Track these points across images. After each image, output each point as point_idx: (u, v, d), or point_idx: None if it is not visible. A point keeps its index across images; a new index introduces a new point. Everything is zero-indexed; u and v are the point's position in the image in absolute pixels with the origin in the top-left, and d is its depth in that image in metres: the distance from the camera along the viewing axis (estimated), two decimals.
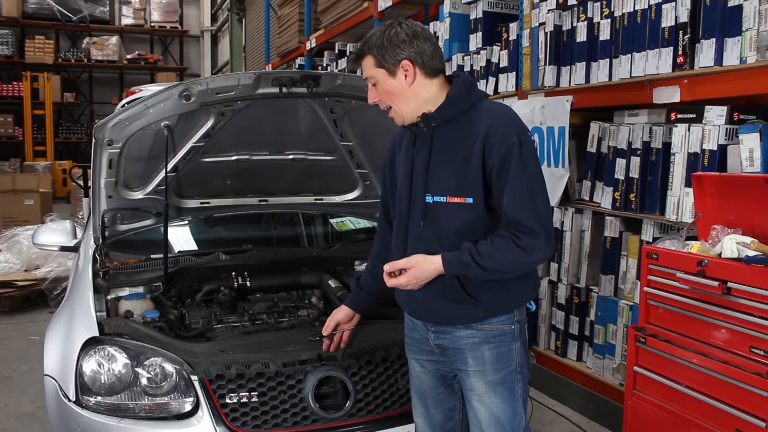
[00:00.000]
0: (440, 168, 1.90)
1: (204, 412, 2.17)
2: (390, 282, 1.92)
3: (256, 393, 2.21)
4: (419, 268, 1.87)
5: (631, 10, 3.24)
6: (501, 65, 4.31)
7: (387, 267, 1.93)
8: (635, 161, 3.32)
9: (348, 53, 6.83)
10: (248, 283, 2.96)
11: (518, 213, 1.79)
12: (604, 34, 3.43)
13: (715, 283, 2.26)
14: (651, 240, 3.20)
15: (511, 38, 4.21)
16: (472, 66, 4.58)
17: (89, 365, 2.23)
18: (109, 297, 2.74)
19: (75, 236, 3.31)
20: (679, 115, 3.11)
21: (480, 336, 1.93)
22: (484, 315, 1.92)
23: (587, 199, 3.71)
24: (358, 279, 2.33)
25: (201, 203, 3.20)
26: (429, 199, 1.90)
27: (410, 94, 1.90)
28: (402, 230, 2.01)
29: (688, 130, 3.00)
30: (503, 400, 1.94)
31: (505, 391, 1.95)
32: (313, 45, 7.65)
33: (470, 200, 1.85)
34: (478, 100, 1.91)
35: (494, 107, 1.91)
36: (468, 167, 1.84)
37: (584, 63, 3.58)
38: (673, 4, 3.02)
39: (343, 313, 2.30)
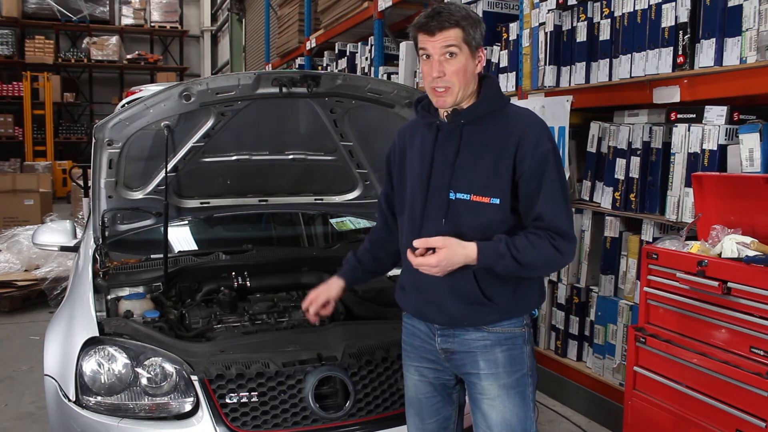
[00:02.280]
0: (468, 165, 1.85)
1: (204, 412, 2.17)
2: (416, 261, 1.79)
3: (256, 393, 2.21)
4: (452, 250, 1.77)
5: (631, 10, 3.24)
6: (501, 65, 4.31)
7: (418, 243, 1.79)
8: (635, 161, 3.32)
9: (348, 53, 6.82)
10: (248, 283, 2.96)
11: (556, 218, 1.80)
12: (604, 34, 3.43)
13: (715, 283, 2.26)
14: (651, 240, 3.20)
15: (511, 38, 4.21)
16: None
17: (89, 365, 2.23)
18: (109, 297, 2.74)
19: (75, 236, 3.32)
20: (679, 115, 3.11)
21: (492, 338, 1.89)
22: (497, 318, 1.89)
23: (587, 199, 3.71)
24: (355, 253, 2.22)
25: (201, 203, 3.20)
26: (452, 195, 1.85)
27: (471, 81, 1.86)
28: (415, 227, 1.92)
29: (688, 130, 3.00)
30: (515, 404, 1.90)
31: (517, 395, 1.91)
32: (313, 45, 7.65)
33: (496, 200, 1.82)
34: (507, 103, 1.92)
35: (523, 111, 1.91)
36: (499, 168, 1.82)
37: (584, 63, 3.58)
38: (673, 4, 3.02)
39: (337, 290, 2.18)
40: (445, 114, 1.89)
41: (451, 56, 1.81)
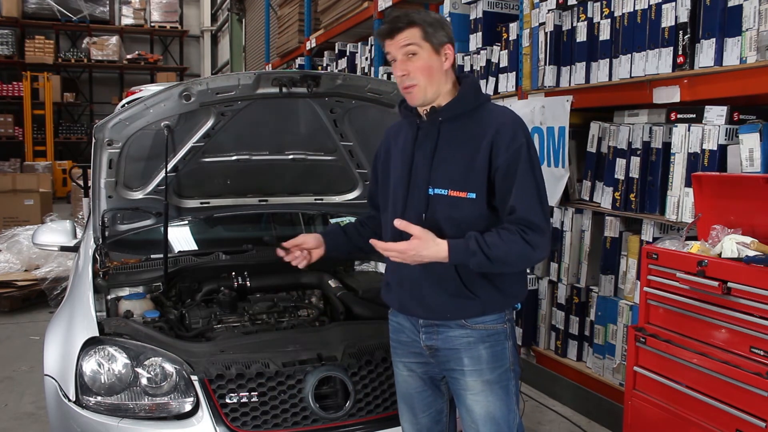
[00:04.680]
0: (445, 162, 1.91)
1: (204, 412, 2.17)
2: (384, 245, 1.85)
3: (256, 393, 2.21)
4: (424, 243, 1.81)
5: (631, 10, 3.24)
6: (501, 65, 4.31)
7: (399, 223, 1.84)
8: (635, 161, 3.32)
9: (348, 53, 6.82)
10: (248, 283, 2.96)
11: (528, 211, 1.83)
12: (604, 34, 3.43)
13: (715, 283, 2.26)
14: (651, 240, 3.20)
15: (511, 38, 4.21)
16: (472, 66, 4.58)
17: (89, 365, 2.23)
18: (109, 297, 2.75)
19: (75, 236, 3.31)
20: (679, 115, 3.11)
21: (475, 335, 1.93)
22: (480, 311, 1.93)
23: (587, 199, 3.71)
24: (340, 226, 2.26)
25: (201, 203, 3.20)
26: (430, 191, 1.91)
27: (441, 78, 1.92)
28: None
29: (688, 130, 3.00)
30: (498, 399, 1.95)
31: (501, 389, 1.95)
32: (313, 45, 7.65)
33: (473, 195, 1.87)
34: (484, 101, 1.97)
35: (500, 109, 1.98)
36: (474, 163, 1.87)
37: (584, 63, 3.58)
38: (673, 4, 3.02)
39: (313, 237, 2.18)
40: (425, 112, 1.95)
41: (411, 56, 1.89)
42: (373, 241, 1.89)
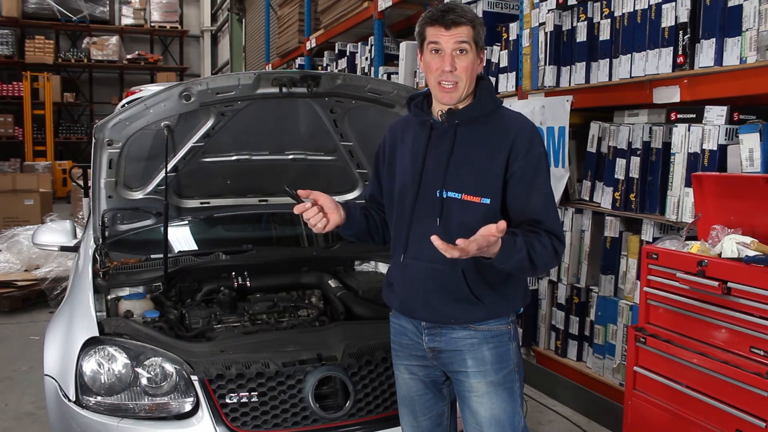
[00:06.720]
0: (461, 165, 1.88)
1: (204, 412, 2.17)
2: (452, 248, 1.62)
3: (256, 393, 2.21)
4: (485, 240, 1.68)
5: (631, 10, 3.24)
6: (501, 65, 4.31)
7: (459, 243, 1.62)
8: (635, 161, 3.32)
9: (348, 53, 6.82)
10: (248, 283, 2.96)
11: (554, 224, 1.85)
12: (604, 34, 3.43)
13: (715, 283, 2.26)
14: (651, 240, 3.20)
15: (511, 38, 4.21)
16: None
17: (89, 365, 2.23)
18: (109, 297, 2.74)
19: (75, 236, 3.31)
20: (679, 115, 3.11)
21: (479, 336, 1.92)
22: (483, 317, 1.91)
23: (587, 199, 3.71)
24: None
25: (201, 203, 3.20)
26: (444, 194, 1.87)
27: (473, 81, 1.89)
28: (404, 224, 1.94)
29: (688, 130, 3.00)
30: (503, 401, 1.93)
31: (505, 391, 1.94)
32: (313, 45, 7.65)
33: (487, 200, 1.85)
34: (499, 105, 1.95)
35: (516, 114, 1.96)
36: (492, 168, 1.85)
37: (584, 63, 3.58)
38: (673, 4, 3.02)
39: (329, 198, 1.96)
40: (440, 113, 1.91)
41: (461, 52, 1.83)
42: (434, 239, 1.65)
